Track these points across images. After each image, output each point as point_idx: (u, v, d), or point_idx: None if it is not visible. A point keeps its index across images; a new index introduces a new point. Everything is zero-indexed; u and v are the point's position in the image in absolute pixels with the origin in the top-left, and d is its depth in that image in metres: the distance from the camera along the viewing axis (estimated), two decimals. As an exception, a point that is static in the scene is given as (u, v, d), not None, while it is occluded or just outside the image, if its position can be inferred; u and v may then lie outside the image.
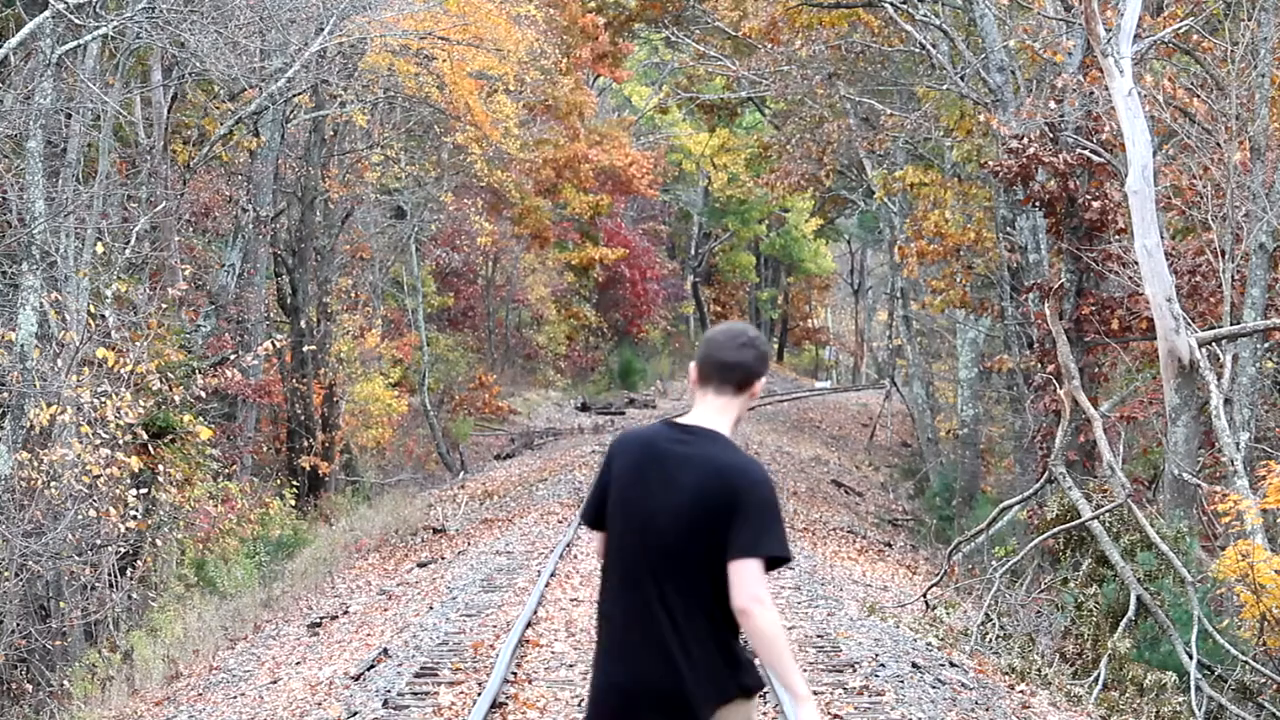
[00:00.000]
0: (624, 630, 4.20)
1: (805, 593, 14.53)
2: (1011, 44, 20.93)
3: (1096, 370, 20.67)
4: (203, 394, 17.37)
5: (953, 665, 11.35)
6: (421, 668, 10.93)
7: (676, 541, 4.15)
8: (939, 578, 15.78)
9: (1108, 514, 14.18)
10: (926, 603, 14.88)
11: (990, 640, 13.49)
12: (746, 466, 4.19)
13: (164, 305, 17.86)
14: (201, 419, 17.98)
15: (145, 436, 16.26)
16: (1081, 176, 19.42)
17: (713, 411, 4.27)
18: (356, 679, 10.75)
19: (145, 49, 19.78)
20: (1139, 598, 13.36)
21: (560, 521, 20.74)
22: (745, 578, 4.08)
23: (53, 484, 14.20)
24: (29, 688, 14.27)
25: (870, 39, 25.30)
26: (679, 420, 4.29)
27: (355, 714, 9.58)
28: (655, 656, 4.14)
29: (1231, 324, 15.81)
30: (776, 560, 4.14)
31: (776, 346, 69.84)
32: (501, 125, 29.32)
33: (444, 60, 25.20)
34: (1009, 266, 23.43)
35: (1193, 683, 12.45)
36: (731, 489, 4.13)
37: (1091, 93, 18.58)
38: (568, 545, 17.61)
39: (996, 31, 21.23)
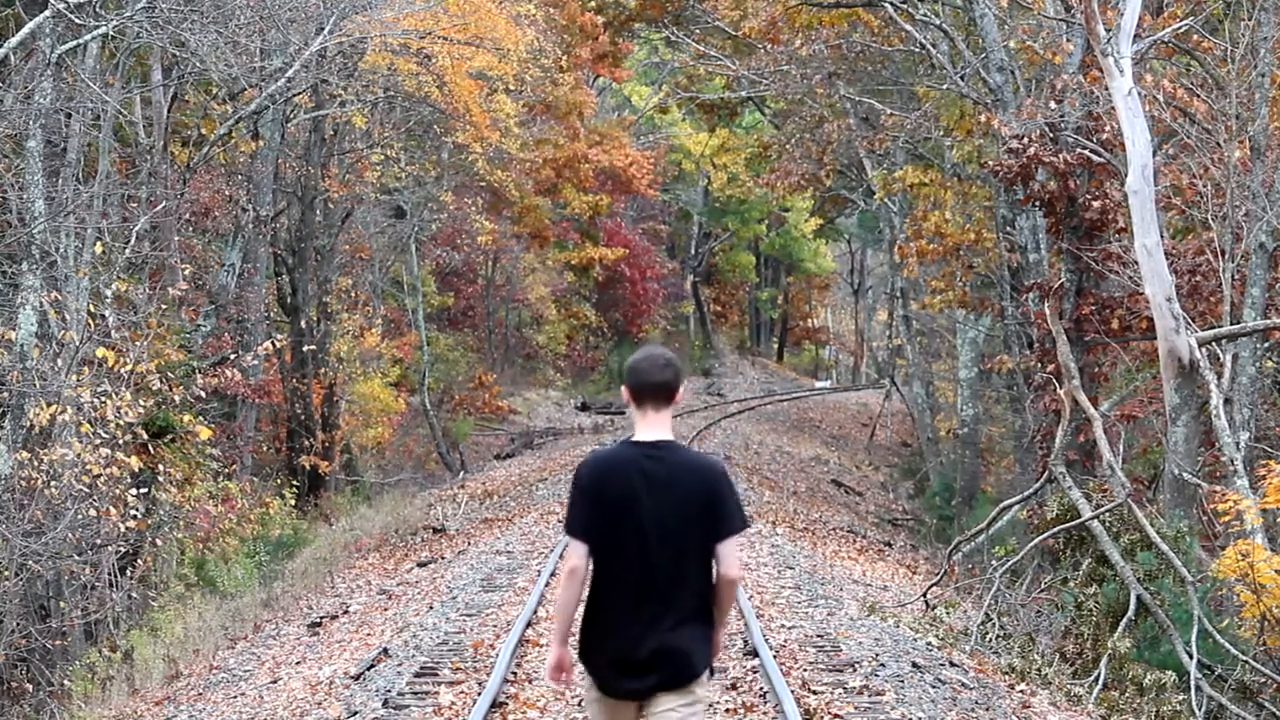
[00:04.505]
0: (641, 612, 5.15)
1: (805, 592, 14.53)
2: (1011, 44, 20.93)
3: (1096, 370, 20.66)
4: (203, 394, 17.35)
5: (953, 665, 11.35)
6: (421, 667, 10.93)
7: (681, 534, 5.14)
8: (939, 578, 15.78)
9: (1108, 514, 14.18)
10: (926, 602, 14.88)
11: (990, 640, 13.49)
12: (712, 463, 5.28)
13: (164, 305, 17.86)
14: (201, 419, 17.97)
15: (145, 436, 16.25)
16: (1081, 176, 19.42)
17: (659, 425, 5.24)
18: (356, 679, 10.75)
19: (145, 49, 19.76)
20: (1139, 598, 13.36)
21: (560, 521, 20.74)
22: (734, 552, 5.18)
23: (53, 484, 14.20)
24: (29, 687, 14.27)
25: (870, 39, 25.30)
26: (639, 440, 5.24)
27: (355, 714, 9.58)
28: (669, 629, 5.15)
29: (1231, 324, 15.81)
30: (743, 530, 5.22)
31: (776, 346, 69.85)
32: (501, 125, 29.31)
33: (444, 60, 25.19)
34: (1009, 266, 23.42)
35: (1193, 682, 12.45)
36: (707, 484, 5.17)
37: (1091, 93, 18.58)
38: (568, 545, 17.60)
39: (996, 31, 21.23)
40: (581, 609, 5.35)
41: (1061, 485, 14.92)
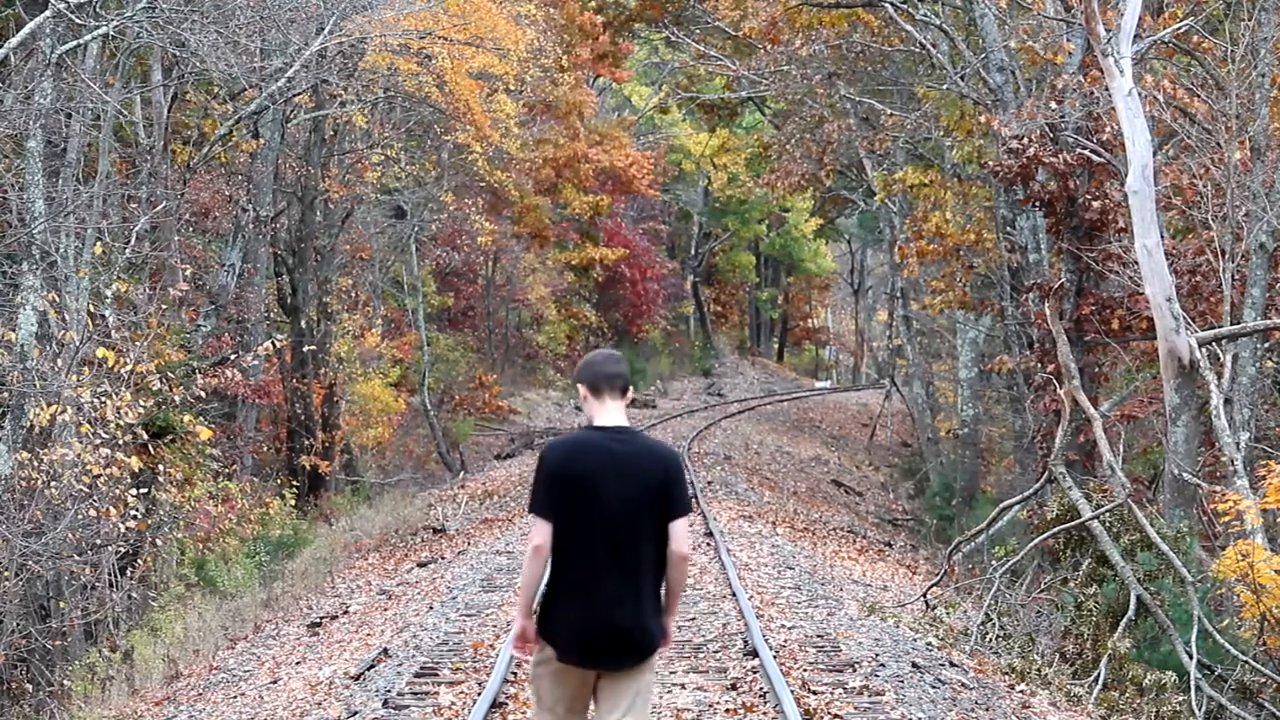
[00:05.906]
0: (605, 586, 5.52)
1: (805, 592, 14.53)
2: (1011, 44, 20.93)
3: (1096, 370, 20.66)
4: (203, 394, 17.34)
5: (953, 665, 11.35)
6: (421, 668, 10.93)
7: (641, 512, 5.53)
8: (939, 578, 15.78)
9: (1108, 514, 14.18)
10: (926, 603, 14.88)
11: (990, 640, 13.49)
12: (668, 449, 5.75)
13: (164, 305, 17.83)
14: (201, 419, 17.96)
15: (145, 436, 16.24)
16: (1081, 176, 19.41)
17: (617, 413, 5.67)
18: (356, 679, 10.75)
19: (145, 49, 19.75)
20: (1139, 598, 13.36)
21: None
22: (685, 531, 5.62)
23: (53, 484, 14.19)
24: (29, 687, 14.27)
25: (870, 39, 25.30)
26: (600, 425, 5.63)
27: (355, 714, 9.58)
28: (631, 603, 5.54)
29: (1231, 324, 15.81)
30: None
31: (776, 346, 69.84)
32: (501, 125, 29.31)
33: (444, 60, 25.18)
34: (1009, 266, 23.42)
35: (1193, 682, 12.45)
36: (665, 467, 5.61)
37: (1091, 93, 18.58)
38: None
39: (996, 31, 21.23)
40: (544, 585, 5.70)
41: (1061, 485, 14.92)
